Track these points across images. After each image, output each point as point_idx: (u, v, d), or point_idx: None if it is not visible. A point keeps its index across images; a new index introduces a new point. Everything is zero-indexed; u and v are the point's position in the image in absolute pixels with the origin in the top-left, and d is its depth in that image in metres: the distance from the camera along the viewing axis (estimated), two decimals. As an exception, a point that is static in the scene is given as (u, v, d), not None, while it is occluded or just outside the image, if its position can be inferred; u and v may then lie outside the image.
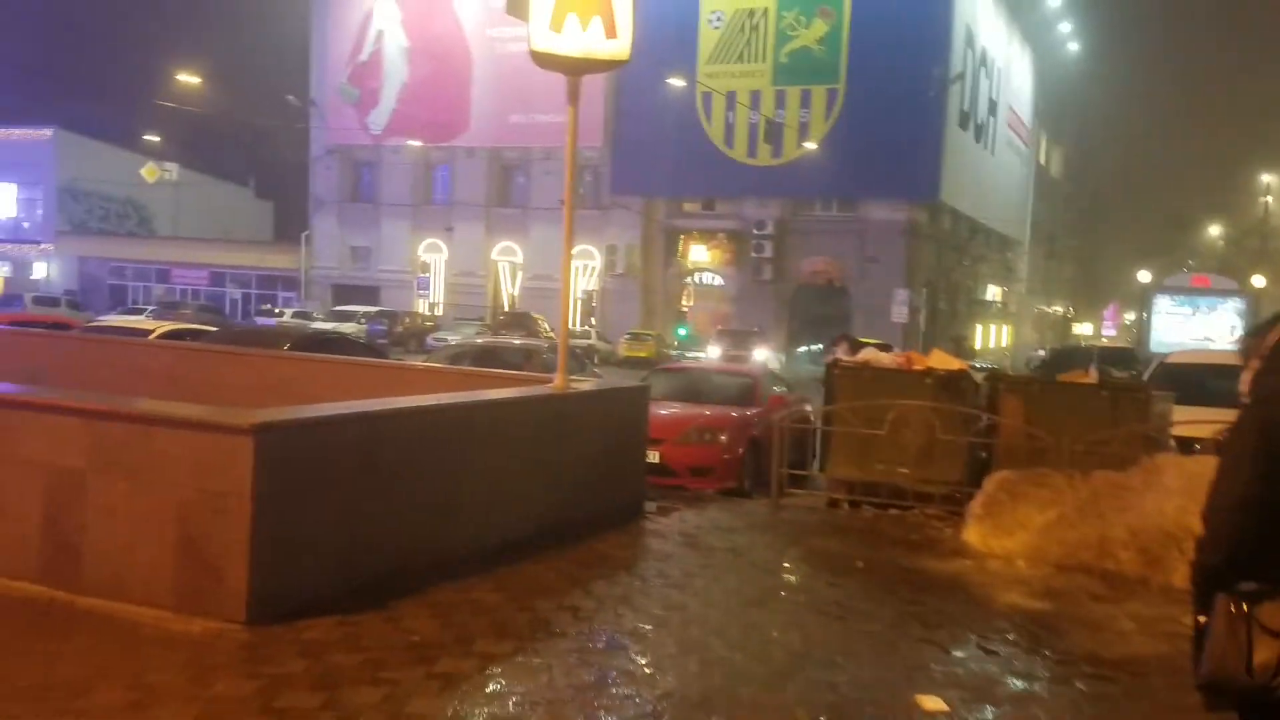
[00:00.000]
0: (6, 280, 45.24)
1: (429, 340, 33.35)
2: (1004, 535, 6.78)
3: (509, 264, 43.69)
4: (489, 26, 41.68)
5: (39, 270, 46.53)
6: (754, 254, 39.73)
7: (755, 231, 39.69)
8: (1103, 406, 7.68)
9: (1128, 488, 6.69)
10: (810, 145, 36.94)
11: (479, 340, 15.80)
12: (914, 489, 7.80)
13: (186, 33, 50.39)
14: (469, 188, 43.84)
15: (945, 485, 7.72)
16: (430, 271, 44.67)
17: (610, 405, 7.80)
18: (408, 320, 37.63)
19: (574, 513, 6.75)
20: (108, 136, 46.90)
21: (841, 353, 8.59)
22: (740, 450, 9.28)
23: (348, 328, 32.65)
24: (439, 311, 42.27)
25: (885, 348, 9.08)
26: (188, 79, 34.19)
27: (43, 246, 46.69)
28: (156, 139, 44.75)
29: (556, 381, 7.10)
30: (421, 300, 43.60)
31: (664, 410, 9.24)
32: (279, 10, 47.88)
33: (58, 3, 61.85)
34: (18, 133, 46.27)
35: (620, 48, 6.61)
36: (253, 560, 4.54)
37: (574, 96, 7.06)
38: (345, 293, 43.43)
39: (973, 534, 6.93)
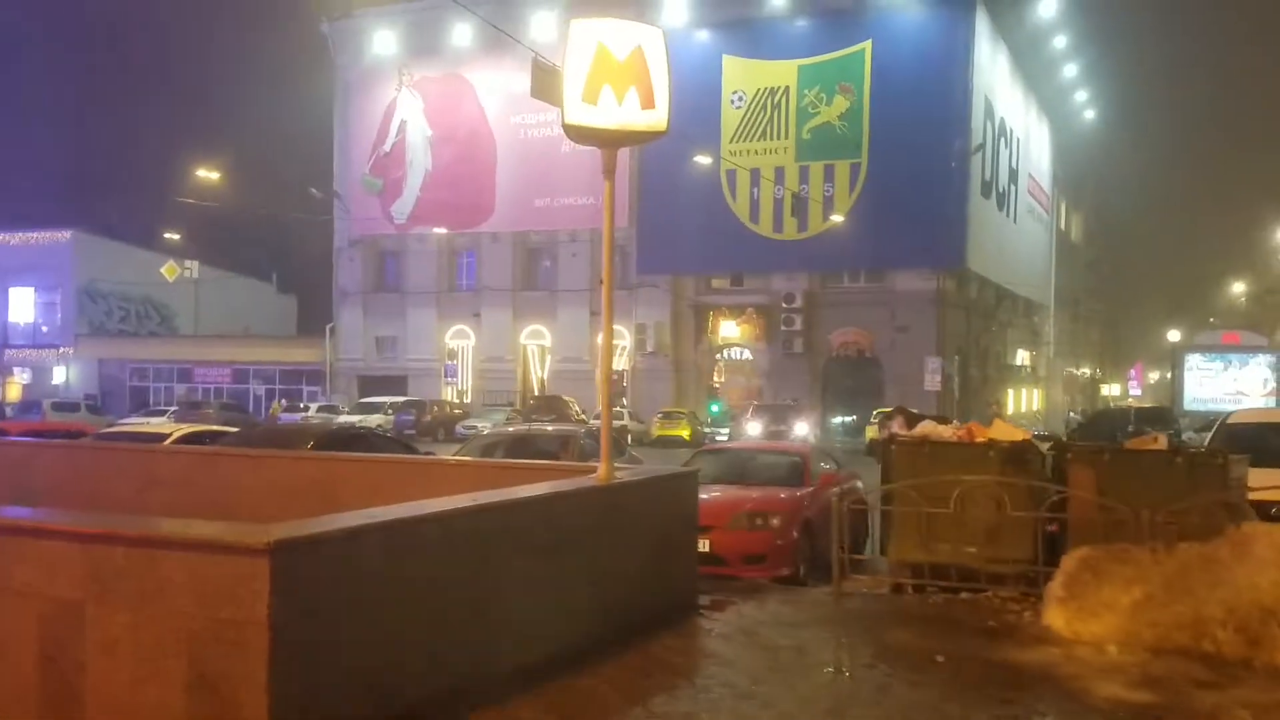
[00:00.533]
0: (26, 386, 45.35)
1: (458, 428, 33.04)
2: (1090, 618, 6.21)
3: (537, 347, 43.55)
4: (512, 113, 42.42)
5: (58, 375, 46.62)
6: (783, 327, 39.47)
7: (784, 305, 39.47)
8: (1178, 473, 7.19)
9: (1216, 560, 6.21)
10: (836, 218, 36.92)
11: (511, 428, 15.33)
12: (984, 570, 7.20)
13: (206, 130, 51.72)
14: (495, 273, 44.03)
15: (1017, 564, 7.15)
16: (458, 358, 44.60)
17: (658, 494, 7.24)
18: (436, 409, 37.38)
19: (624, 614, 6.15)
20: (126, 236, 47.52)
21: (897, 427, 8.06)
22: (794, 535, 8.69)
23: (374, 419, 32.50)
24: (468, 399, 42.04)
25: (943, 420, 8.54)
26: (207, 175, 34.64)
27: (62, 350, 46.86)
28: (176, 237, 45.29)
29: (600, 471, 6.57)
30: (449, 388, 43.43)
31: (710, 494, 8.69)
32: (300, 104, 49.08)
33: (73, 104, 63.78)
34: (36, 236, 46.76)
35: (658, 119, 6.31)
36: (273, 696, 3.96)
37: (610, 170, 6.73)
38: (372, 384, 43.34)
39: (1055, 618, 6.34)
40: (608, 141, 6.53)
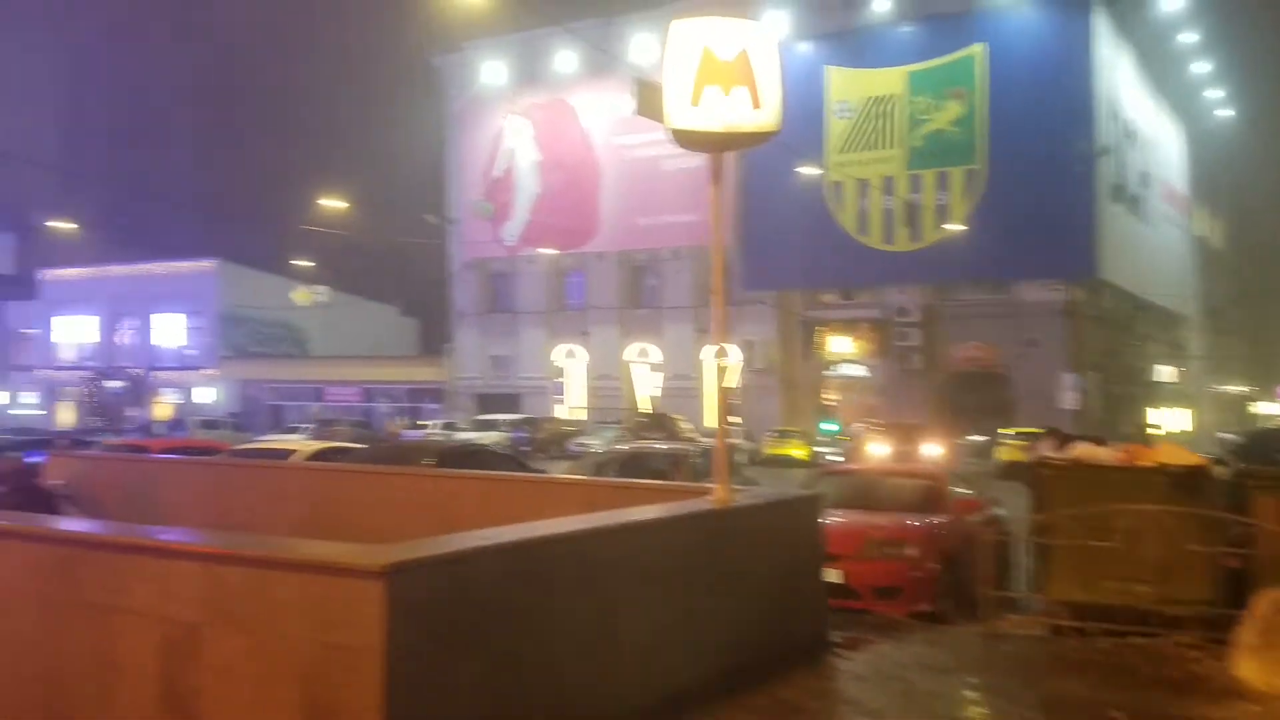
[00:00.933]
0: (177, 406, 47.86)
1: (570, 445, 33.17)
2: (1290, 671, 5.47)
3: (645, 365, 43.44)
4: (615, 135, 42.75)
5: (205, 395, 49.08)
6: (898, 342, 38.22)
7: (898, 319, 38.23)
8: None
9: None
10: (953, 227, 35.57)
11: (622, 447, 15.08)
12: (1157, 611, 6.45)
13: (331, 162, 53.56)
14: (602, 292, 44.24)
15: (1195, 606, 6.37)
16: (567, 377, 44.91)
17: (781, 518, 6.80)
18: (548, 427, 37.62)
19: (750, 650, 5.74)
20: (263, 264, 49.65)
21: (1048, 449, 7.38)
22: (931, 566, 8.06)
23: (491, 436, 32.87)
24: (580, 416, 42.22)
25: (1099, 441, 7.80)
26: (333, 205, 35.88)
27: (207, 372, 49.36)
28: (307, 264, 47.15)
29: (717, 493, 6.18)
30: (559, 406, 43.72)
31: (836, 520, 8.14)
32: (417, 136, 50.34)
33: (212, 141, 67.09)
34: (184, 266, 49.60)
35: (768, 118, 5.89)
36: (388, 726, 3.76)
37: (717, 175, 6.36)
38: (488, 401, 43.99)
39: (1248, 669, 5.61)
40: (716, 145, 6.18)
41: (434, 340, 51.41)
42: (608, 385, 43.37)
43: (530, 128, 45.86)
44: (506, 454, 14.64)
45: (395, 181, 52.88)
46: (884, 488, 9.59)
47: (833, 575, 7.45)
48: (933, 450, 25.38)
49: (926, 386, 37.58)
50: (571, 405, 44.12)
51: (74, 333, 52.09)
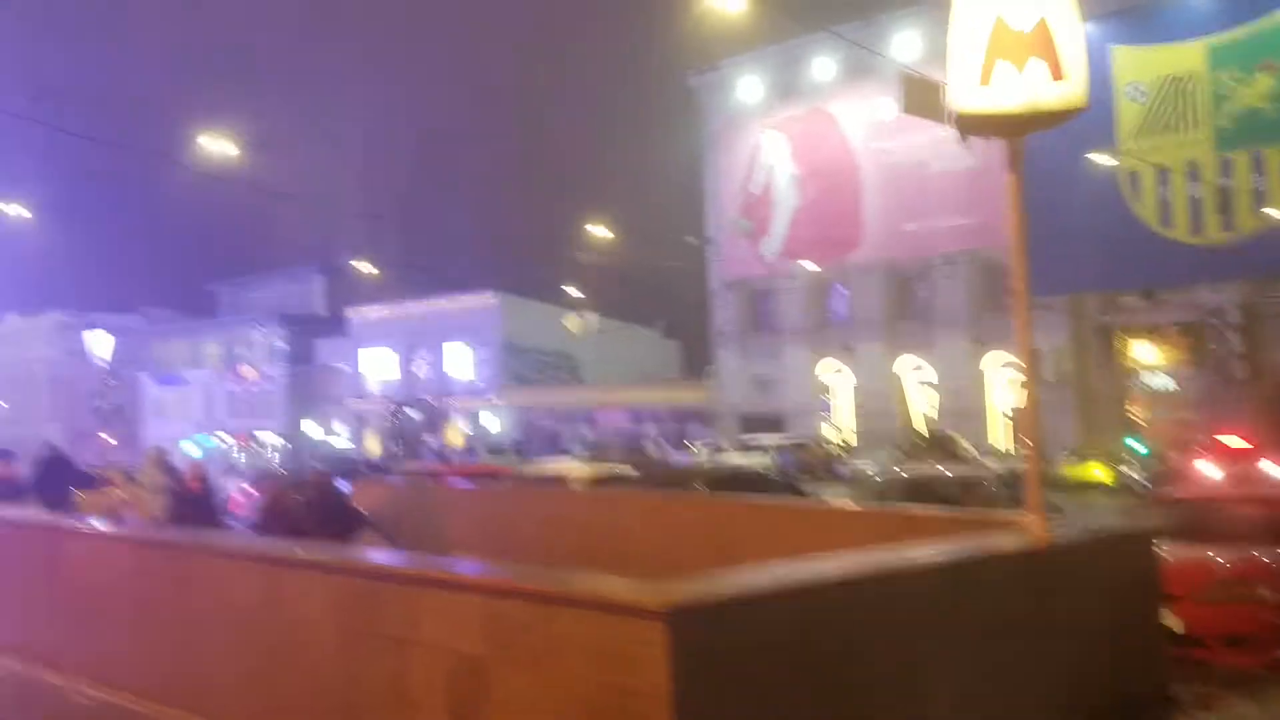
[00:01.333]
0: (467, 433, 51.58)
1: (839, 468, 32.22)
2: None
3: (917, 380, 41.46)
4: (876, 140, 41.47)
5: (490, 421, 52.54)
6: (1216, 347, 33.89)
7: (1214, 321, 33.94)
8: None
9: None
10: (1273, 212, 31.16)
11: (903, 471, 14.22)
12: None
13: (598, 192, 55.92)
14: (867, 304, 42.80)
15: None
16: (833, 395, 43.77)
17: (1110, 556, 5.85)
18: (816, 448, 36.77)
19: (1077, 712, 4.94)
20: (539, 294, 52.57)
21: None
22: (1291, 608, 6.76)
23: (757, 459, 32.56)
24: (849, 437, 41.00)
25: None
26: (597, 233, 37.25)
27: (491, 399, 52.83)
28: (578, 293, 49.34)
29: (1031, 527, 5.38)
30: (826, 426, 42.68)
31: (1174, 556, 7.01)
32: (676, 158, 51.36)
33: (487, 180, 72.05)
34: (469, 300, 53.51)
35: (1073, 91, 5.07)
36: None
37: (1014, 162, 5.57)
38: (752, 423, 43.76)
39: None
40: (1011, 128, 5.40)
41: (696, 362, 52.02)
42: (877, 403, 41.72)
43: (787, 141, 45.46)
44: (778, 479, 14.23)
45: (656, 205, 54.35)
46: (1227, 517, 8.23)
47: (1171, 621, 6.38)
48: (1275, 471, 21.96)
49: (1254, 398, 32.96)
50: (839, 425, 42.95)
51: (377, 366, 57.51)
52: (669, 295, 55.15)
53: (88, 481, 17.19)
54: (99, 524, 8.12)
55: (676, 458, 36.36)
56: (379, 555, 6.08)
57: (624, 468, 17.01)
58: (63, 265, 74.03)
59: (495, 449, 41.88)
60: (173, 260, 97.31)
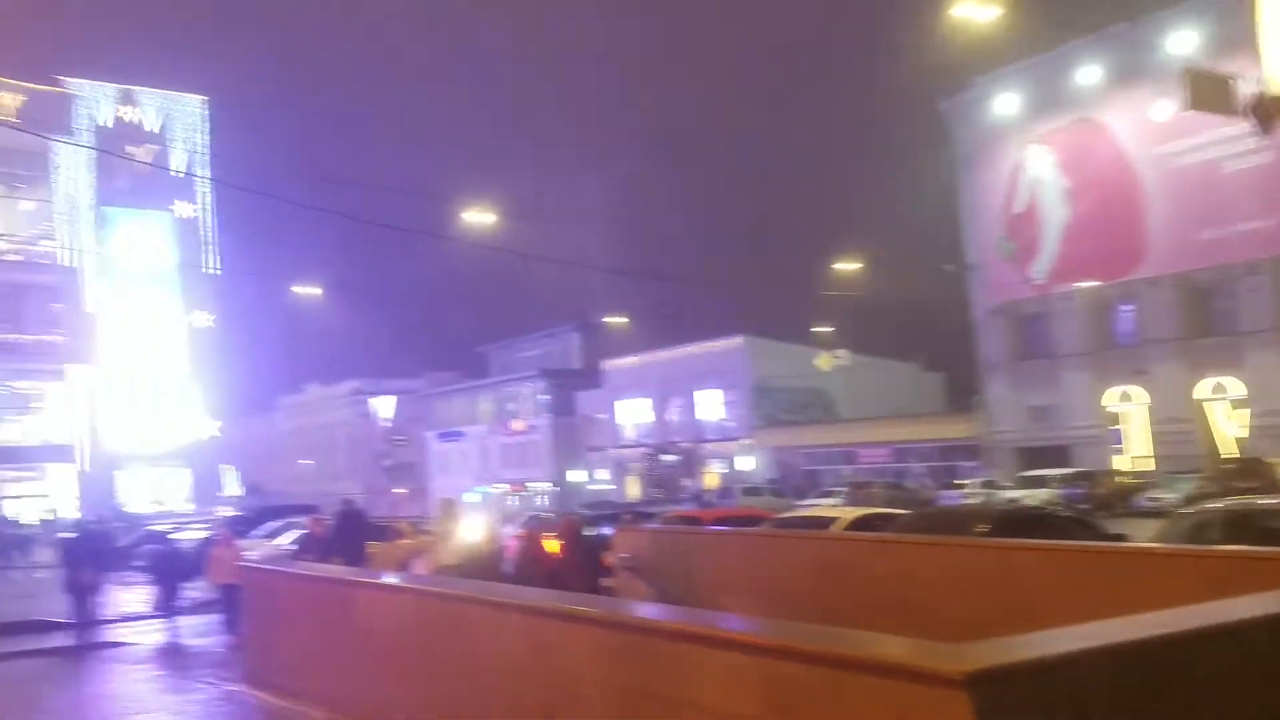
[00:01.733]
0: (722, 475, 51.74)
1: (1137, 501, 29.19)
2: None
3: (1222, 402, 36.91)
4: (1154, 144, 37.84)
5: (744, 463, 52.45)
6: None
7: None
8: None
9: None
10: None
11: (1220, 503, 12.42)
12: None
13: (844, 227, 54.95)
14: (1159, 322, 38.72)
15: None
16: (1124, 422, 39.85)
17: None
18: (1108, 481, 33.49)
19: None
20: (785, 335, 52.17)
21: None
22: None
23: (1040, 494, 30.19)
24: (1146, 466, 37.12)
25: None
26: (847, 267, 36.32)
27: (744, 441, 52.79)
28: (827, 329, 48.43)
29: None
30: (1118, 456, 38.88)
31: None
32: (927, 185, 49.61)
33: (731, 227, 72.70)
34: (717, 345, 54.23)
35: None
36: None
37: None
38: (1028, 456, 40.67)
39: None
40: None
41: (961, 394, 49.36)
42: (1176, 429, 37.49)
43: (1052, 154, 42.43)
44: (1074, 518, 12.83)
45: (907, 235, 52.56)
46: None
47: None
48: None
49: None
50: (1133, 454, 38.98)
51: (632, 414, 59.25)
52: (928, 327, 53.01)
53: (380, 533, 18.69)
54: (385, 576, 8.59)
55: (946, 496, 34.58)
56: (647, 609, 5.92)
57: (890, 508, 16.17)
58: (357, 338, 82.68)
59: (751, 490, 41.57)
60: (451, 327, 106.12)
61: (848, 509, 15.57)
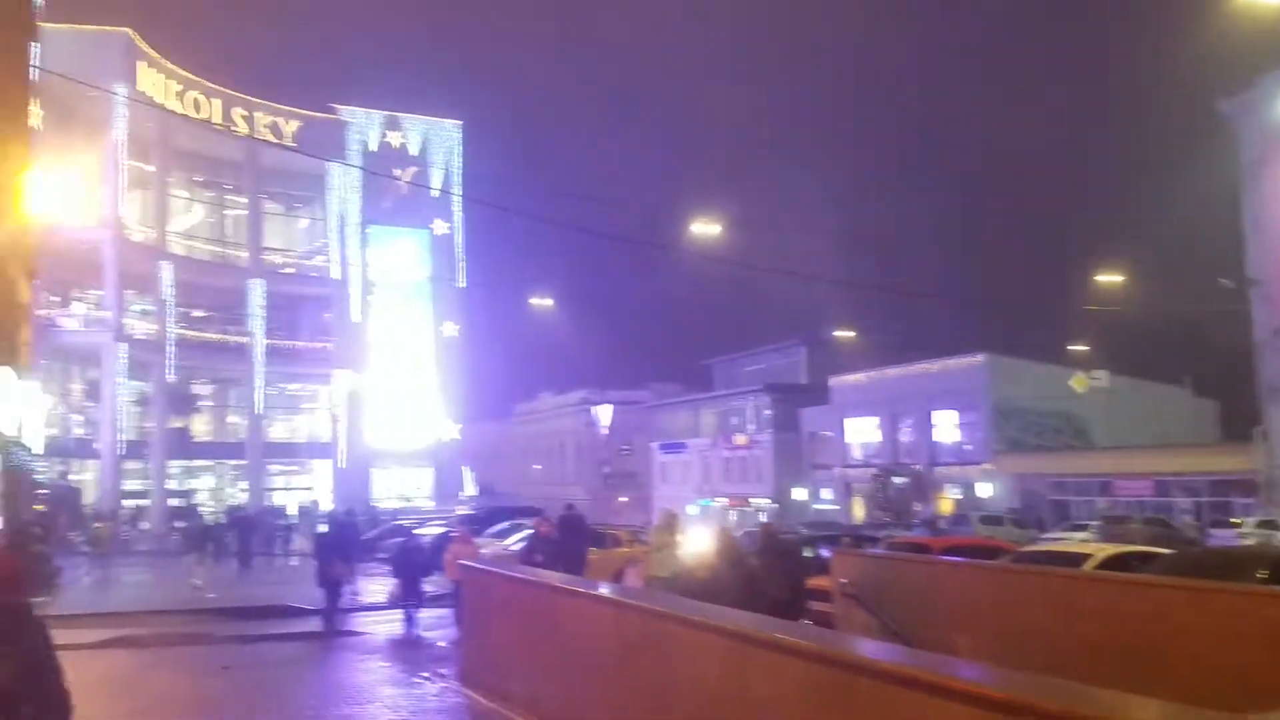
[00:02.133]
0: (957, 501, 48.81)
1: None
2: None
3: None
4: None
5: (982, 489, 49.15)
6: None
7: None
8: None
9: None
10: None
11: None
12: None
13: (1102, 237, 50.64)
14: None
15: None
16: None
17: None
18: None
19: None
20: (1034, 354, 48.59)
21: None
22: None
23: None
24: None
25: None
26: (1109, 280, 33.35)
27: (983, 466, 49.49)
28: (1083, 348, 44.63)
29: None
30: None
31: None
32: (1204, 193, 44.86)
33: (973, 241, 68.90)
34: (953, 362, 51.09)
35: None
36: None
37: None
38: (1323, 496, 35.56)
39: None
40: None
41: (1236, 423, 44.00)
42: None
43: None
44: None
45: (1179, 246, 47.71)
46: None
47: None
48: None
49: None
50: None
51: (860, 432, 57.17)
52: (1199, 348, 47.83)
53: (599, 540, 18.85)
54: (588, 586, 8.45)
55: (1216, 535, 30.95)
56: (861, 645, 5.35)
57: (1150, 546, 14.53)
58: (588, 349, 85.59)
59: (990, 519, 38.80)
60: (677, 340, 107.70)
61: (1101, 545, 14.04)
